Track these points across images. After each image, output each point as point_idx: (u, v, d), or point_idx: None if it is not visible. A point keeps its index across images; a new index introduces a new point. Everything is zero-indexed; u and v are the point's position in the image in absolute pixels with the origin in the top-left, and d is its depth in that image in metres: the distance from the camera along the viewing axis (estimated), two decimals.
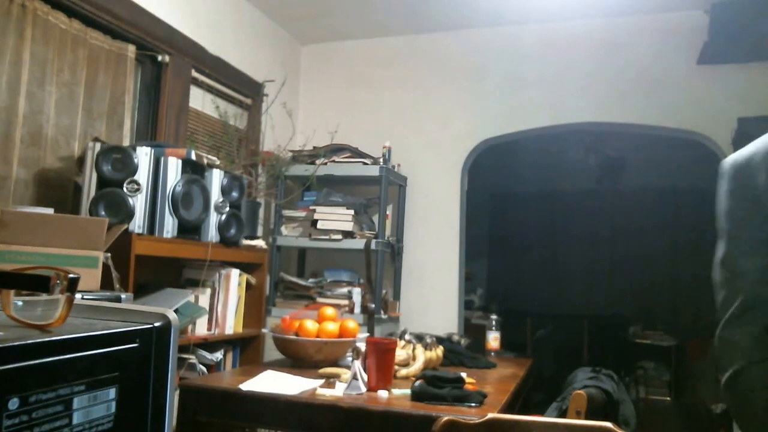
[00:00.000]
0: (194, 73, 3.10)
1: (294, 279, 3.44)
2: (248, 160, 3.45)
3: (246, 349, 2.92)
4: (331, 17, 3.76)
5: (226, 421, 1.88)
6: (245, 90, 3.53)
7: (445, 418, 1.27)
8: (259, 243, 2.98)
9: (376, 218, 3.45)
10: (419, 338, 2.34)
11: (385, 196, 3.41)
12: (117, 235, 2.04)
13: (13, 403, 0.54)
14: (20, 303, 0.73)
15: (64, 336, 0.61)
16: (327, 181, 3.50)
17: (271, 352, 2.75)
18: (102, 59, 2.56)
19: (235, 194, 2.70)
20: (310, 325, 2.23)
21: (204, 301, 2.63)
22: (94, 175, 2.20)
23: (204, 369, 2.54)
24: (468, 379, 1.96)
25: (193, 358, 2.50)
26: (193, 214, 2.44)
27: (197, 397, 1.84)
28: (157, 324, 0.73)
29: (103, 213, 2.14)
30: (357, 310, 3.30)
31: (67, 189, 2.38)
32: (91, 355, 0.63)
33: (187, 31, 3.02)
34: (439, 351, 2.38)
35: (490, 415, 1.31)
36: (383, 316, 3.35)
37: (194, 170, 2.48)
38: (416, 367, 2.17)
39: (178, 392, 1.85)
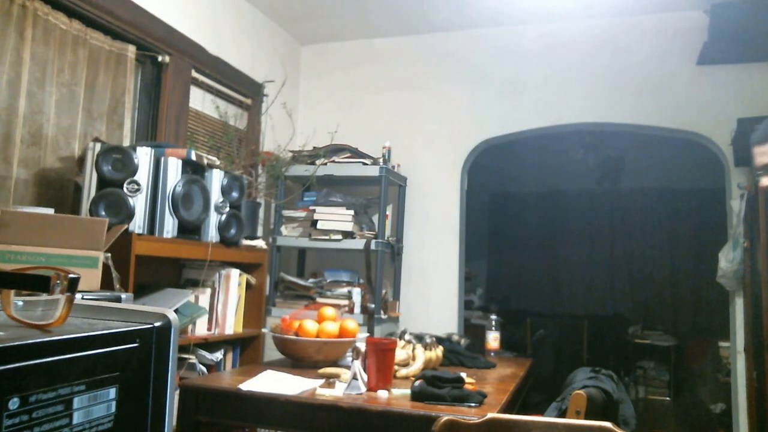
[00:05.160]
0: (194, 74, 3.11)
1: (294, 279, 3.44)
2: (248, 161, 3.45)
3: (246, 349, 2.92)
4: (331, 17, 3.76)
5: (226, 421, 1.88)
6: (245, 90, 3.53)
7: (445, 418, 1.27)
8: (259, 243, 2.98)
9: (376, 218, 3.45)
10: (419, 338, 2.34)
11: (385, 196, 3.41)
12: (117, 235, 2.04)
13: (14, 403, 0.54)
14: (20, 303, 0.73)
15: (64, 336, 0.61)
16: (327, 182, 3.50)
17: (271, 352, 2.75)
18: (102, 59, 2.56)
19: (235, 194, 2.70)
20: (310, 325, 2.24)
21: (204, 301, 2.63)
22: (95, 175, 2.20)
23: (204, 369, 2.54)
24: (468, 379, 1.96)
25: (193, 358, 2.50)
26: (193, 214, 2.45)
27: (197, 397, 1.84)
28: (157, 324, 0.73)
29: (103, 213, 2.14)
30: (357, 310, 3.30)
31: (68, 189, 2.39)
32: (91, 355, 0.63)
33: (187, 32, 3.02)
34: (439, 351, 2.38)
35: (490, 415, 1.31)
36: (383, 316, 3.35)
37: (194, 170, 2.48)
38: (416, 367, 2.17)
39: (178, 392, 1.86)
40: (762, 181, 1.86)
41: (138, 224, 2.21)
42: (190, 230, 2.46)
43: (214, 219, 2.58)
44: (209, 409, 1.84)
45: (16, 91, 2.19)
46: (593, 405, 1.74)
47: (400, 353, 2.16)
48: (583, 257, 6.87)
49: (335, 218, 3.36)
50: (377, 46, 4.01)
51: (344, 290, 3.36)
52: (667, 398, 5.75)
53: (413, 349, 2.25)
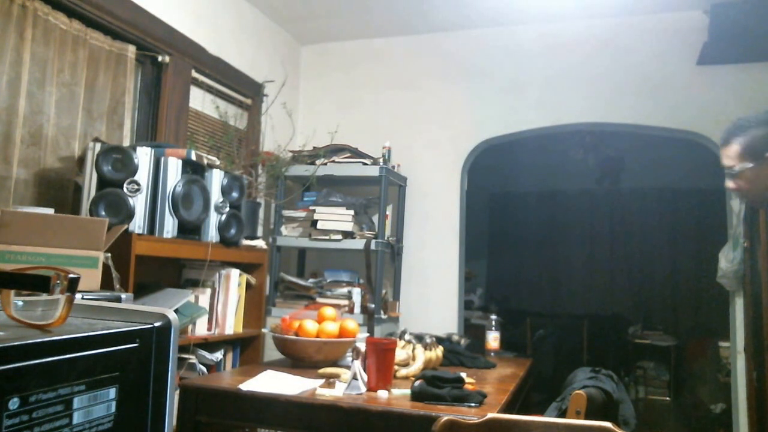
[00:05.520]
0: (194, 74, 3.11)
1: (294, 279, 3.44)
2: (248, 161, 3.45)
3: (246, 349, 2.92)
4: (330, 17, 3.76)
5: (226, 421, 1.88)
6: (245, 90, 3.53)
7: (445, 418, 1.27)
8: (259, 243, 2.98)
9: (376, 218, 3.45)
10: (419, 338, 2.34)
11: (385, 196, 3.41)
12: (117, 235, 2.04)
13: (14, 403, 0.54)
14: (20, 303, 0.73)
15: (64, 336, 0.61)
16: (327, 182, 3.50)
17: (271, 352, 2.75)
18: (102, 60, 2.56)
19: (235, 194, 2.70)
20: (310, 325, 2.24)
21: (204, 301, 2.63)
22: (95, 176, 2.20)
23: (204, 369, 2.54)
24: (468, 379, 1.96)
25: (193, 358, 2.50)
26: (193, 214, 2.45)
27: (197, 397, 1.84)
28: (157, 324, 0.73)
29: (103, 213, 2.14)
30: (357, 310, 3.30)
31: (68, 189, 2.39)
32: (91, 355, 0.63)
33: (187, 32, 3.02)
34: (439, 351, 2.38)
35: (490, 415, 1.31)
36: (383, 316, 3.35)
37: (194, 170, 2.48)
38: (416, 367, 2.17)
39: (178, 392, 1.86)
40: (727, 183, 1.90)
41: (138, 224, 2.21)
42: (190, 230, 2.46)
43: (214, 219, 2.58)
44: (209, 409, 1.84)
45: (16, 91, 2.19)
46: (593, 405, 1.74)
47: (400, 353, 2.16)
48: (583, 257, 6.87)
49: (335, 218, 3.36)
50: (377, 46, 4.01)
51: (344, 290, 3.36)
52: (667, 398, 5.75)
53: (413, 349, 2.26)
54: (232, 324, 2.75)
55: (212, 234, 2.57)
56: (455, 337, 2.92)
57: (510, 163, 6.40)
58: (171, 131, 2.91)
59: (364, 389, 1.83)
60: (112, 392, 0.66)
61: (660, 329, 6.09)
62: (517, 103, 3.71)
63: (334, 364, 2.20)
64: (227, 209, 2.62)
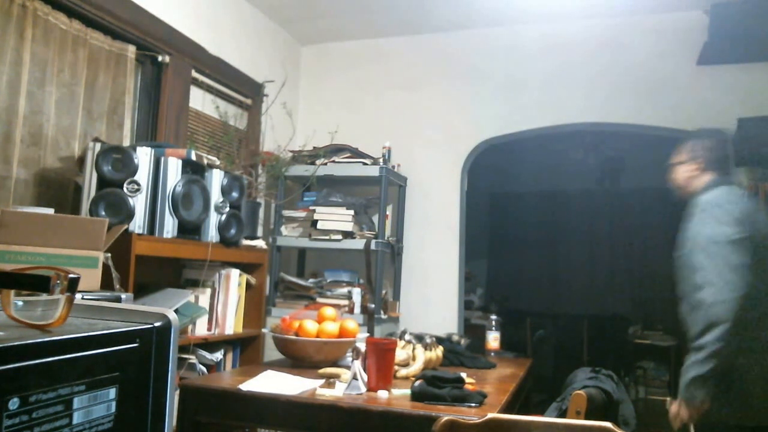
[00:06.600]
0: (194, 74, 3.11)
1: (294, 279, 3.44)
2: (248, 161, 3.45)
3: (246, 349, 2.92)
4: (331, 17, 3.76)
5: (226, 421, 1.88)
6: (245, 90, 3.53)
7: (445, 418, 1.27)
8: (259, 243, 2.98)
9: (376, 218, 3.45)
10: (419, 338, 2.34)
11: (385, 196, 3.41)
12: (117, 235, 2.04)
13: (14, 403, 0.54)
14: (20, 303, 0.73)
15: (64, 336, 0.61)
16: (327, 182, 3.50)
17: (271, 352, 2.75)
18: (102, 59, 2.56)
19: (235, 194, 2.70)
20: (310, 325, 2.23)
21: (204, 301, 2.63)
22: (95, 176, 2.20)
23: (204, 369, 2.54)
24: (468, 379, 1.96)
25: (193, 358, 2.50)
26: (193, 215, 2.45)
27: (197, 397, 1.84)
28: (157, 324, 0.73)
29: (103, 213, 2.14)
30: (357, 310, 3.30)
31: (68, 189, 2.39)
32: (91, 355, 0.63)
33: (187, 32, 3.02)
34: (439, 351, 2.38)
35: (490, 415, 1.31)
36: (383, 316, 3.35)
37: (194, 170, 2.48)
38: (416, 367, 2.17)
39: (178, 392, 1.86)
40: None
41: (138, 224, 2.21)
42: (190, 230, 2.46)
43: (214, 219, 2.58)
44: (209, 409, 1.84)
45: (16, 91, 2.19)
46: (593, 405, 1.75)
47: (400, 353, 2.16)
48: (583, 257, 6.87)
49: (335, 218, 3.36)
50: (377, 46, 4.01)
51: (344, 290, 3.36)
52: (667, 398, 5.74)
53: (413, 349, 2.25)
54: (232, 324, 2.75)
55: (212, 234, 2.57)
56: (455, 337, 2.92)
57: (510, 163, 6.39)
58: (171, 131, 2.91)
59: (364, 389, 1.83)
60: (112, 392, 0.66)
61: (660, 329, 6.08)
62: (517, 103, 3.71)
63: (334, 364, 2.20)
64: (227, 209, 2.62)
